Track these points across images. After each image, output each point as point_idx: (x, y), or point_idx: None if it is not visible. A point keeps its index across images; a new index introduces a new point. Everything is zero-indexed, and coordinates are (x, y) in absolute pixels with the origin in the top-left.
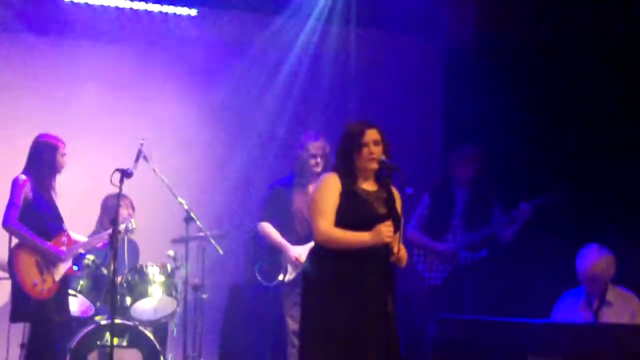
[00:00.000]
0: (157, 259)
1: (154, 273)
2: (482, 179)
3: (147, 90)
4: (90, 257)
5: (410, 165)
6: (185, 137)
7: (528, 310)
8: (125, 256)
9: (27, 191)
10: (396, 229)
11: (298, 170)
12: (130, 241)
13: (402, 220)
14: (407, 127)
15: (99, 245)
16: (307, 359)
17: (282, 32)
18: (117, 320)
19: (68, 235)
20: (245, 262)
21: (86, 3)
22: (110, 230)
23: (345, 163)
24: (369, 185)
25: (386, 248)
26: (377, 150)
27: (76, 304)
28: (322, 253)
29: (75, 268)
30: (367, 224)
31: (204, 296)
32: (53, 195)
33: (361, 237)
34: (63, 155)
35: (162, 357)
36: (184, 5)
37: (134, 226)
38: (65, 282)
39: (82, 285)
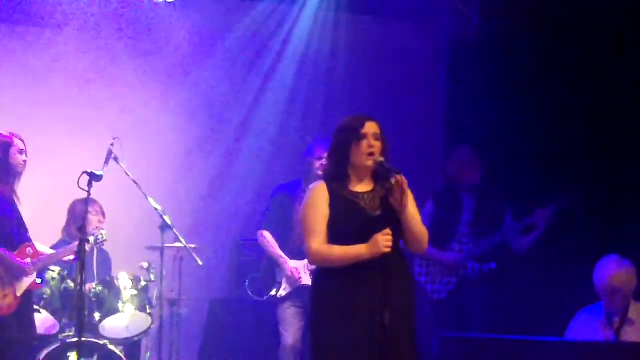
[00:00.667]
0: (130, 270)
1: (125, 286)
2: (491, 182)
3: (119, 84)
4: (55, 268)
5: (410, 168)
6: (161, 136)
7: (540, 328)
8: (95, 267)
9: None
10: (396, 227)
11: (304, 176)
12: (100, 251)
13: (418, 215)
14: (406, 125)
15: (68, 258)
16: None
17: (269, 20)
18: (84, 338)
19: (33, 246)
20: (229, 274)
21: None
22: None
23: (337, 161)
24: (363, 186)
25: (387, 257)
26: (377, 145)
27: (39, 320)
28: (323, 272)
29: (39, 281)
30: (363, 232)
31: (181, 312)
32: (16, 201)
33: (357, 251)
34: (21, 152)
35: None
36: None
37: (104, 238)
38: (29, 298)
39: (46, 299)
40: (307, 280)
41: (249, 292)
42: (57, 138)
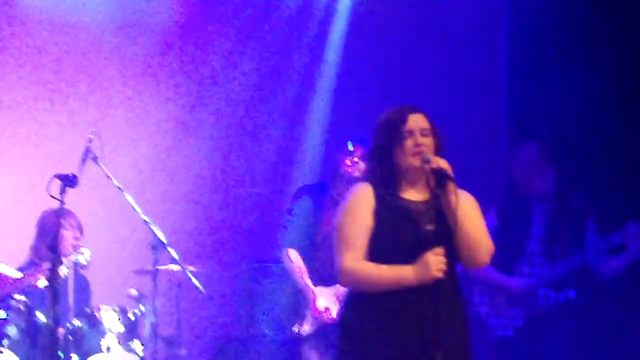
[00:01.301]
0: (115, 300)
1: (110, 320)
2: (569, 188)
3: (97, 74)
4: (21, 297)
5: (465, 169)
6: (152, 133)
7: None
8: (71, 297)
9: None
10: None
11: (331, 178)
12: (78, 276)
13: (482, 223)
14: (459, 117)
15: (37, 282)
16: None
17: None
18: None
19: None
20: (240, 305)
21: None
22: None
23: (381, 163)
24: (416, 194)
25: (438, 284)
26: (427, 142)
27: None
28: (358, 297)
29: (3, 316)
30: (413, 250)
31: (180, 353)
32: None
33: (401, 273)
34: None
35: None
36: None
37: (87, 259)
38: None
39: (9, 336)
40: (337, 312)
41: (265, 329)
42: (21, 136)
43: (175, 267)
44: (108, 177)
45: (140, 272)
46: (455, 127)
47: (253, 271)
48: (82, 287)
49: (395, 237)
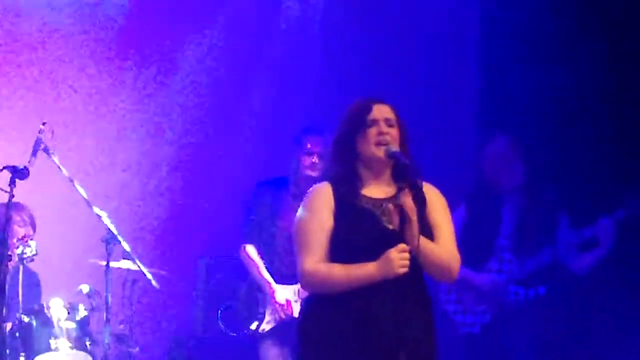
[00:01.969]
0: (65, 296)
1: (60, 317)
2: (540, 181)
3: (47, 63)
4: None
5: (435, 163)
6: (107, 123)
7: None
8: (19, 292)
9: None
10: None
11: (291, 175)
12: (27, 271)
13: (447, 229)
14: (427, 109)
15: None
16: None
17: None
18: None
19: None
20: (196, 302)
21: None
22: None
23: (343, 156)
24: (379, 190)
25: (401, 281)
26: (392, 132)
27: None
28: (318, 298)
29: None
30: (375, 249)
31: (132, 351)
32: None
33: (364, 271)
34: None
35: None
36: None
37: (33, 252)
38: None
39: None
40: (298, 311)
41: (222, 326)
42: None
43: (128, 263)
44: (60, 169)
45: (93, 267)
46: (426, 119)
47: (211, 267)
48: (31, 282)
49: (355, 237)
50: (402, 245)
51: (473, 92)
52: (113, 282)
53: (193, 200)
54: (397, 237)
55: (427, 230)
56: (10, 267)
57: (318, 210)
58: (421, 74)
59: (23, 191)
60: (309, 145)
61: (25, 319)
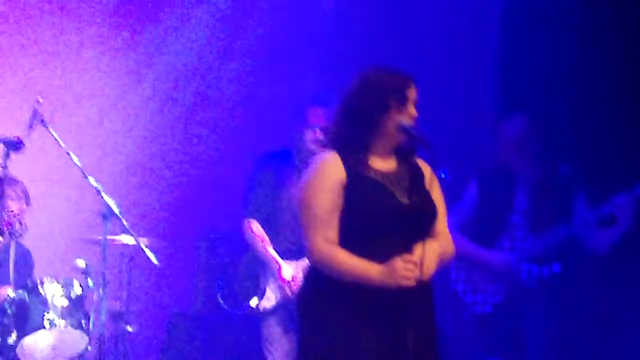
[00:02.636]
0: (60, 272)
1: (54, 294)
2: (557, 155)
3: (44, 36)
4: None
5: (448, 138)
6: (104, 96)
7: (622, 354)
8: (11, 268)
9: None
10: (425, 232)
11: (295, 150)
12: (19, 246)
13: (442, 210)
14: (445, 84)
15: None
16: None
17: None
18: None
19: None
20: (195, 279)
21: None
22: None
23: (360, 129)
24: (385, 163)
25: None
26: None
27: None
28: (323, 277)
29: None
30: (393, 226)
31: (129, 329)
32: None
33: (367, 272)
34: None
35: None
36: None
37: (23, 228)
38: None
39: None
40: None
41: (221, 302)
42: None
43: (126, 238)
44: (57, 141)
45: (88, 243)
46: (443, 96)
47: (212, 243)
48: (24, 257)
49: (370, 212)
50: (409, 256)
51: (491, 68)
52: (110, 258)
53: (193, 175)
54: (411, 212)
55: (433, 205)
56: (1, 242)
57: (329, 182)
58: (440, 50)
59: (16, 164)
60: (314, 121)
61: (17, 296)
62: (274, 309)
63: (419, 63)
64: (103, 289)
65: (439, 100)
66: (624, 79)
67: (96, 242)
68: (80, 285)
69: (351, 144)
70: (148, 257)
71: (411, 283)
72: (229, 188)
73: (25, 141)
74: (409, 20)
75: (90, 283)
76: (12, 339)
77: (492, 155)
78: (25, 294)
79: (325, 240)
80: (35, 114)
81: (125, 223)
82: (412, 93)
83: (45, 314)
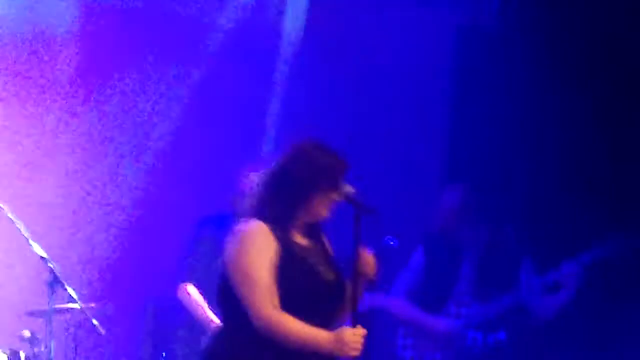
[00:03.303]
0: (5, 342)
1: None
2: (502, 221)
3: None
4: None
5: (392, 203)
6: (46, 141)
7: None
8: None
9: None
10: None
11: (236, 210)
12: None
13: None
14: (392, 149)
15: None
16: None
17: None
18: None
19: None
20: (147, 347)
21: None
22: None
23: (287, 202)
24: (303, 239)
25: None
26: None
27: None
28: (240, 338)
29: None
30: (315, 299)
31: None
32: None
33: (316, 339)
34: None
35: None
36: None
37: None
38: None
39: None
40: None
41: None
42: None
43: (73, 306)
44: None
45: (35, 314)
46: (390, 158)
47: (154, 308)
48: None
49: (298, 289)
50: (359, 330)
51: (439, 137)
52: (57, 327)
53: (138, 239)
54: (336, 288)
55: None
56: None
57: (265, 251)
58: (389, 111)
59: None
60: (247, 168)
61: None
62: None
63: (367, 126)
64: (49, 359)
65: (385, 165)
66: (572, 149)
67: (42, 312)
68: (26, 356)
69: (277, 216)
70: (94, 325)
71: (358, 353)
72: (174, 253)
73: None
74: (360, 83)
75: (37, 352)
76: None
77: (435, 223)
78: None
79: (274, 306)
80: None
81: (72, 293)
82: (345, 175)
83: None
